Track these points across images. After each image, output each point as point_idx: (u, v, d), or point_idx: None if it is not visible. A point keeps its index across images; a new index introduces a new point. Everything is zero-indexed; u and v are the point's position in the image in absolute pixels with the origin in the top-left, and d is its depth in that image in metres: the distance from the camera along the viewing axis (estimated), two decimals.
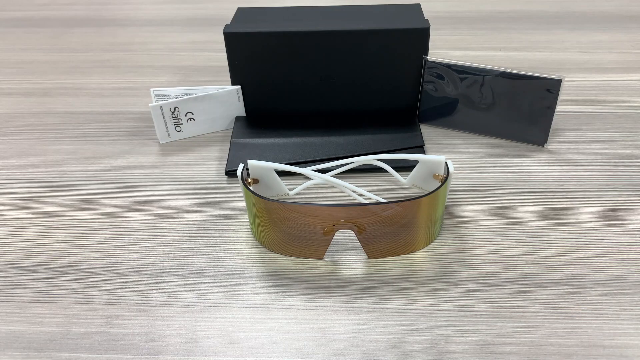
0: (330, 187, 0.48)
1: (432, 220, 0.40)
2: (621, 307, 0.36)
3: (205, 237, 0.43)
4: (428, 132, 0.55)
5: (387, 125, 0.54)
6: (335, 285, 0.39)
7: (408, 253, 0.41)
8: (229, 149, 0.53)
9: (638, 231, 0.42)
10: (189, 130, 0.56)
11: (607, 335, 0.35)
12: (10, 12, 0.90)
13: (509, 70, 0.50)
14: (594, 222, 0.44)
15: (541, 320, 0.36)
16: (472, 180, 0.48)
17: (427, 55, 0.53)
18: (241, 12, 0.57)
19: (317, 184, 0.47)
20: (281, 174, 0.46)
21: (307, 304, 0.38)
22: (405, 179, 0.47)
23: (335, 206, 0.37)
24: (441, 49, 0.57)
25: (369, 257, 0.40)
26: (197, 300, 0.38)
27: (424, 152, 0.51)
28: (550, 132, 0.52)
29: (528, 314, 0.36)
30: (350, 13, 0.56)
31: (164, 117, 0.54)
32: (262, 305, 0.38)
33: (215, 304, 0.38)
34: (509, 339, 0.35)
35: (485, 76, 0.51)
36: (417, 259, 0.41)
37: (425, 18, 0.53)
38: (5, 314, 0.38)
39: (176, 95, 0.55)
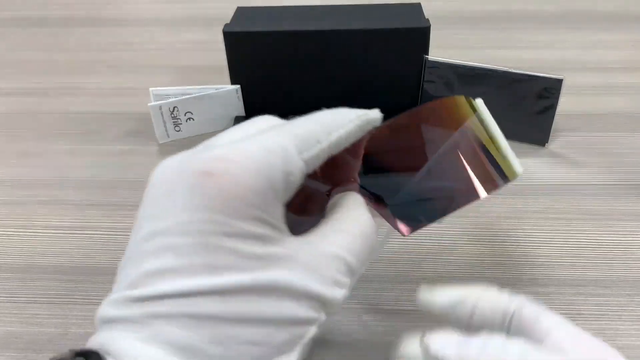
0: None
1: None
2: (623, 308, 0.36)
3: None
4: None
5: None
6: None
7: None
8: None
9: None
10: (188, 130, 0.55)
11: (608, 337, 0.34)
12: (9, 12, 0.90)
13: (510, 70, 0.50)
14: (596, 222, 0.43)
15: None
16: None
17: (427, 54, 0.52)
18: (241, 11, 0.57)
19: None
20: None
21: None
22: None
23: None
24: (442, 49, 0.57)
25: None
26: None
27: None
28: (551, 132, 0.51)
29: None
30: (350, 12, 0.56)
31: (163, 117, 0.54)
32: None
33: None
34: None
35: (486, 76, 0.51)
36: (417, 259, 0.40)
37: (426, 17, 0.53)
38: (3, 315, 0.38)
39: (175, 95, 0.54)
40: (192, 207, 0.20)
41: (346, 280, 0.23)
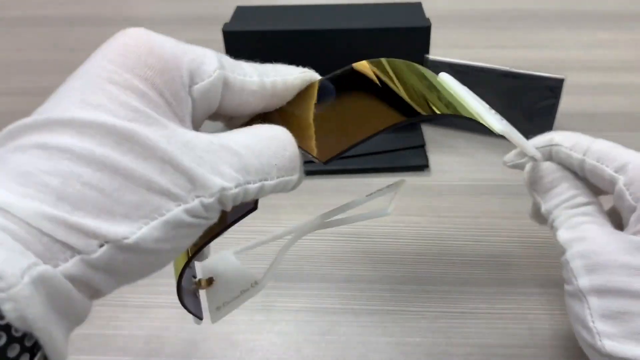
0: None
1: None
2: None
3: None
4: (429, 131, 0.54)
5: None
6: (335, 287, 0.38)
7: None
8: None
9: None
10: None
11: None
12: (7, 11, 0.89)
13: (511, 70, 0.50)
14: None
15: (544, 322, 0.35)
16: (474, 181, 0.48)
17: (428, 54, 0.52)
18: (240, 10, 0.57)
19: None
20: None
21: (307, 305, 0.37)
22: None
23: None
24: (442, 48, 0.57)
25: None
26: None
27: (424, 151, 0.51)
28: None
29: (530, 315, 0.36)
30: (351, 11, 0.55)
31: None
32: (261, 307, 0.37)
33: None
34: (511, 341, 0.34)
35: (486, 75, 0.51)
36: (415, 260, 0.40)
37: (427, 17, 0.53)
38: None
39: None
40: (97, 53, 0.22)
41: (234, 175, 0.21)
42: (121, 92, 0.20)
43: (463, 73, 0.51)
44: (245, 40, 0.52)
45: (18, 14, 0.88)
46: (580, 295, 0.26)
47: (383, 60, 0.27)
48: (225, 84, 0.23)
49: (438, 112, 0.25)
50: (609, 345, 0.25)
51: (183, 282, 0.27)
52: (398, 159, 0.50)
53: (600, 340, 0.25)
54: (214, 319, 0.30)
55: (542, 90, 0.49)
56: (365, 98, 0.26)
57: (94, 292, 0.20)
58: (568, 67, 0.66)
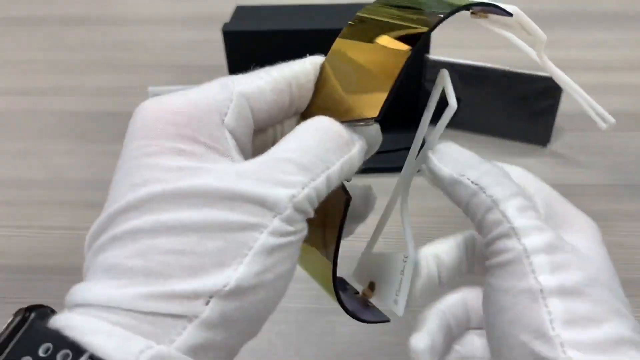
0: None
1: None
2: None
3: None
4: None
5: (387, 124, 0.54)
6: None
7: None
8: None
9: None
10: None
11: None
12: (8, 11, 0.89)
13: (511, 70, 0.50)
14: (598, 223, 0.43)
15: None
16: None
17: (428, 53, 0.52)
18: (240, 10, 0.57)
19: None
20: None
21: (307, 306, 0.37)
22: None
23: None
24: (442, 48, 0.57)
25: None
26: None
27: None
28: (553, 132, 0.51)
29: None
30: (351, 11, 0.55)
31: None
32: None
33: None
34: None
35: (487, 75, 0.51)
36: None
37: None
38: (3, 317, 0.37)
39: None
40: (125, 144, 0.22)
41: (296, 178, 0.20)
42: (160, 159, 0.20)
43: (463, 73, 0.51)
44: (245, 40, 0.52)
45: (18, 14, 0.88)
46: (538, 295, 0.22)
47: (360, 13, 0.29)
48: (246, 97, 0.23)
49: (441, 15, 0.26)
50: (577, 357, 0.20)
51: (349, 306, 0.27)
52: (398, 159, 0.50)
53: (565, 352, 0.20)
54: (399, 311, 0.29)
55: (542, 90, 0.49)
56: (370, 47, 0.27)
57: (225, 355, 0.20)
58: (568, 67, 0.66)
